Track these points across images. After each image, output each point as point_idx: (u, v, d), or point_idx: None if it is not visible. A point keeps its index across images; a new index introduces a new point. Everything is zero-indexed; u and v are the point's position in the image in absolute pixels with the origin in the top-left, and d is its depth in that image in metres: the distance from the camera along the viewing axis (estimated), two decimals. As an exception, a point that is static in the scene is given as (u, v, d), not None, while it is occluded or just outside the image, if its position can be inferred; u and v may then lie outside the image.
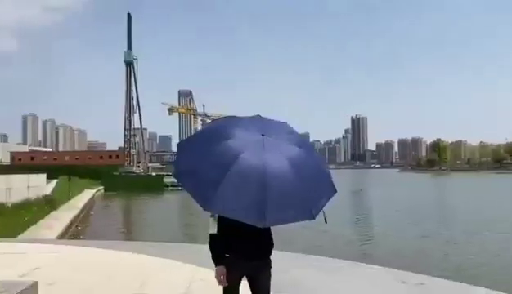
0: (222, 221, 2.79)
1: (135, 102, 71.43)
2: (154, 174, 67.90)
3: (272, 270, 2.91)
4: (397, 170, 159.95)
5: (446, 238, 18.01)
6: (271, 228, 2.86)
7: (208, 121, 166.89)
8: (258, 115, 3.02)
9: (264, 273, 2.95)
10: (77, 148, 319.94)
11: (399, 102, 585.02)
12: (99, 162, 75.82)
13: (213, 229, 2.89)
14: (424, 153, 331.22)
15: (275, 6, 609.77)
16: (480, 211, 26.76)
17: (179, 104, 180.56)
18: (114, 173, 62.29)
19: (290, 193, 2.54)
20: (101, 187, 52.30)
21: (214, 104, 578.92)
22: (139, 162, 73.49)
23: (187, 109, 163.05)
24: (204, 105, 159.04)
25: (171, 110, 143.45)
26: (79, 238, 17.70)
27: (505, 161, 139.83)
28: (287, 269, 6.32)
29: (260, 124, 2.86)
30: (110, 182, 54.76)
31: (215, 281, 2.81)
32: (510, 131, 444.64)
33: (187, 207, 35.28)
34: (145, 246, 9.89)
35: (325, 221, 2.63)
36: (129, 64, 70.66)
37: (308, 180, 2.63)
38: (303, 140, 2.91)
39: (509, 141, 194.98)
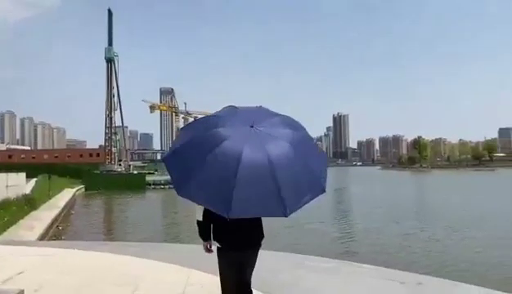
0: (210, 211, 2.83)
1: (116, 99, 70.69)
2: (135, 172, 67.26)
3: (264, 271, 3.12)
4: (379, 167, 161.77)
5: (427, 234, 18.22)
6: (263, 218, 3.05)
7: (191, 119, 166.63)
8: (261, 106, 3.05)
9: (253, 258, 3.16)
10: (56, 146, 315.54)
11: (380, 100, 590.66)
12: (79, 160, 74.83)
13: (199, 216, 3.06)
14: (404, 151, 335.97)
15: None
16: (460, 208, 27.18)
17: (160, 102, 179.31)
18: (95, 172, 61.45)
19: (261, 189, 2.54)
20: (82, 186, 51.49)
21: (197, 102, 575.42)
22: (120, 161, 72.68)
23: (169, 106, 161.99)
24: (185, 103, 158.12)
25: (152, 108, 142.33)
26: (61, 239, 17.38)
27: (483, 158, 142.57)
28: (280, 270, 6.30)
29: (254, 115, 2.88)
30: (90, 181, 53.96)
31: (208, 284, 2.96)
32: (489, 129, 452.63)
33: (170, 205, 35.07)
34: (128, 246, 9.79)
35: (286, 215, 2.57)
36: (110, 61, 69.76)
37: (287, 178, 2.59)
38: (297, 133, 2.87)
39: (487, 139, 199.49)
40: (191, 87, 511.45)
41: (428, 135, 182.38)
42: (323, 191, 2.77)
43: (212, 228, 3.10)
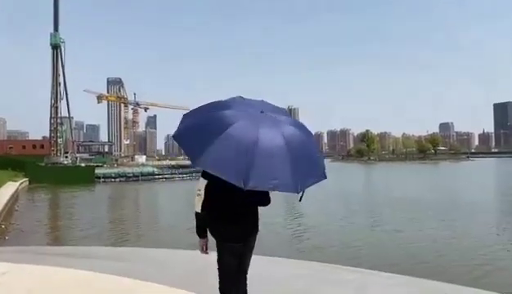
0: (211, 201, 3.01)
1: (62, 88, 67.01)
2: (83, 165, 64.28)
3: (267, 281, 3.07)
4: (329, 160, 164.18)
5: (391, 227, 18.05)
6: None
7: (140, 109, 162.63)
8: (262, 100, 3.19)
9: (253, 244, 3.25)
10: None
11: (327, 95, 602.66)
12: (22, 151, 70.54)
13: (198, 208, 3.05)
14: (351, 144, 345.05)
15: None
16: (416, 198, 27.64)
17: (108, 92, 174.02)
18: (40, 164, 58.04)
19: (278, 164, 2.65)
20: (26, 179, 48.37)
21: (148, 92, 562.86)
22: (67, 153, 69.28)
23: (117, 97, 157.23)
24: (135, 94, 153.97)
25: (100, 98, 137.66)
26: (5, 239, 15.82)
27: (428, 151, 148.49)
28: (286, 279, 5.55)
29: (261, 104, 3.07)
30: (35, 174, 50.78)
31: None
32: (431, 123, 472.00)
33: (124, 200, 33.57)
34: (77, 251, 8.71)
35: (300, 199, 2.77)
36: (56, 48, 66.04)
37: (299, 158, 2.76)
38: (301, 125, 3.10)
39: (429, 133, 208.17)
40: (144, 77, 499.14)
41: (374, 129, 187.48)
42: (325, 176, 2.93)
43: (211, 219, 3.11)
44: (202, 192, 2.97)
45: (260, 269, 3.90)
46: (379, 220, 20.11)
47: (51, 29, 66.74)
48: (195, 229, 3.18)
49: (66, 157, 67.25)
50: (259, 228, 3.23)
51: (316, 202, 23.49)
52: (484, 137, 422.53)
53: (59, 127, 67.88)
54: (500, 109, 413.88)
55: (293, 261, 7.79)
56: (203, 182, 2.98)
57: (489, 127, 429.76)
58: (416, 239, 15.38)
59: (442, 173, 64.98)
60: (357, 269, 7.25)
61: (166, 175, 58.57)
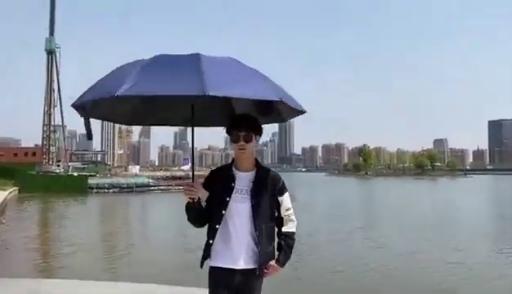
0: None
1: (56, 95, 65.48)
2: (76, 174, 62.23)
3: None
4: (324, 174, 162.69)
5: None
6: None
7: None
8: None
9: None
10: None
11: (322, 109, 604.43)
12: (13, 159, 68.51)
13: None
14: (346, 158, 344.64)
15: None
16: (418, 214, 26.04)
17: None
18: (31, 172, 55.99)
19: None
20: (15, 188, 46.33)
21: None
22: (59, 161, 67.39)
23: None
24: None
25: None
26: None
27: (426, 167, 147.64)
28: None
29: None
30: (25, 182, 48.71)
31: None
32: (425, 139, 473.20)
33: (118, 216, 31.64)
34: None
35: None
36: (51, 53, 64.56)
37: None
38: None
39: (424, 149, 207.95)
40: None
41: (369, 144, 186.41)
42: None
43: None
44: None
45: None
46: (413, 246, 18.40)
47: (47, 34, 65.36)
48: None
49: (58, 165, 65.42)
50: None
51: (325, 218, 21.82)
52: (478, 154, 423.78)
53: (52, 135, 66.16)
54: (495, 127, 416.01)
55: None
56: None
57: (483, 144, 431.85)
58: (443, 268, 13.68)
59: (448, 190, 63.09)
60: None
61: (161, 187, 56.67)
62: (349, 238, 18.87)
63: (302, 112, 2.59)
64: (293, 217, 2.71)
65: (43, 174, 57.88)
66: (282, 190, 2.67)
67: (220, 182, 2.61)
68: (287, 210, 2.68)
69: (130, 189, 53.02)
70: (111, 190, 52.18)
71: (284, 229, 2.68)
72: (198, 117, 2.65)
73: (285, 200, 2.68)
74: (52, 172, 60.75)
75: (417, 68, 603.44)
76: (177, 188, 56.28)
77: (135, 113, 2.88)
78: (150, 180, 60.60)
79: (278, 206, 2.65)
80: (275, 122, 2.97)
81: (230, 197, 2.56)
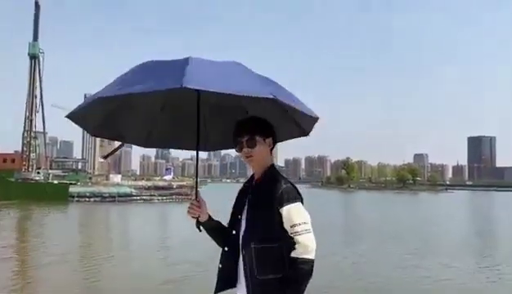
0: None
1: (38, 101, 64.33)
2: (56, 182, 60.88)
3: None
4: (307, 186, 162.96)
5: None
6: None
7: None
8: None
9: None
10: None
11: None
12: (-10, 165, 66.77)
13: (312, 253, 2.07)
14: (328, 170, 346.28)
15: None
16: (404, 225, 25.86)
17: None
18: (10, 179, 54.59)
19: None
20: (-8, 195, 44.97)
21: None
22: (39, 168, 65.93)
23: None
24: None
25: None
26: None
27: (407, 181, 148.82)
28: None
29: None
30: (3, 189, 47.40)
31: None
32: (405, 154, 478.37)
33: (94, 226, 30.74)
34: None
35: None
36: (34, 58, 63.53)
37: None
38: None
39: (405, 163, 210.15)
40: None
41: (351, 157, 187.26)
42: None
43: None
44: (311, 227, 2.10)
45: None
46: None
47: (31, 39, 64.39)
48: None
49: (38, 173, 64.06)
50: None
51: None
52: (458, 169, 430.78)
53: (32, 141, 64.76)
54: (474, 143, 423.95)
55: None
56: (304, 209, 2.14)
57: (462, 160, 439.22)
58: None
59: (433, 205, 63.40)
60: None
61: (144, 197, 55.66)
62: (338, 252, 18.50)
63: (315, 118, 2.28)
64: (301, 238, 2.03)
65: (23, 181, 56.57)
66: (281, 200, 2.07)
67: (238, 197, 2.34)
68: (292, 226, 2.05)
69: (112, 199, 51.93)
70: (92, 199, 51.05)
71: (291, 254, 2.05)
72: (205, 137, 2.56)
73: (288, 213, 2.06)
74: (32, 179, 59.42)
75: (399, 83, 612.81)
76: (160, 198, 55.54)
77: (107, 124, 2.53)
78: (133, 190, 59.55)
79: (280, 220, 2.07)
80: (298, 136, 2.64)
81: (241, 214, 2.23)
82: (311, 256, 2.03)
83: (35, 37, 64.34)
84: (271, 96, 1.88)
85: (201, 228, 2.34)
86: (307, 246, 2.03)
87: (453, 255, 17.87)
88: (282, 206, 2.07)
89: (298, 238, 2.03)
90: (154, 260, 15.93)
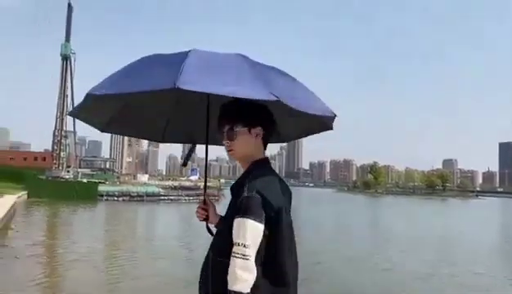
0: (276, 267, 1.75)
1: (69, 101, 65.33)
2: (85, 180, 61.65)
3: None
4: (333, 190, 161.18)
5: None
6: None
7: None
8: None
9: None
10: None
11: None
12: (22, 163, 68.40)
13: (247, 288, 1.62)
14: (354, 174, 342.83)
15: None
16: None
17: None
18: (40, 177, 55.49)
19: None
20: (24, 192, 45.73)
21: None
22: (69, 167, 67.00)
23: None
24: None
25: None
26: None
27: (436, 187, 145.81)
28: None
29: None
30: (34, 187, 47.96)
31: None
32: (434, 159, 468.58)
33: (124, 225, 30.81)
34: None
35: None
36: (66, 59, 64.65)
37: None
38: None
39: (434, 168, 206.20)
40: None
41: (378, 162, 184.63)
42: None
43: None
44: (252, 253, 1.63)
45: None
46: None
47: (63, 40, 65.57)
48: None
49: (68, 171, 65.06)
50: None
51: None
52: (488, 176, 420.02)
53: (63, 140, 65.89)
54: (506, 149, 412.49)
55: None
56: (255, 230, 1.66)
57: (493, 166, 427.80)
58: None
59: (467, 212, 61.61)
60: None
61: (171, 197, 55.87)
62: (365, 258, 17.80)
63: (330, 117, 2.07)
64: (233, 262, 1.64)
65: (53, 179, 57.37)
66: (238, 210, 1.69)
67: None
68: (234, 244, 1.66)
69: (140, 198, 52.22)
70: (121, 198, 51.40)
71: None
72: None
73: (235, 227, 1.68)
74: (62, 178, 60.29)
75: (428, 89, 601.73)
76: (187, 198, 55.62)
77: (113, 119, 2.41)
78: (161, 190, 59.87)
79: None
80: (318, 132, 2.38)
81: None
82: (236, 288, 1.60)
83: (67, 38, 65.47)
84: (274, 98, 1.67)
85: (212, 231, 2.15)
86: (234, 273, 1.61)
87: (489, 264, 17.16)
88: (236, 217, 1.70)
89: (231, 261, 1.65)
90: (180, 260, 15.71)
